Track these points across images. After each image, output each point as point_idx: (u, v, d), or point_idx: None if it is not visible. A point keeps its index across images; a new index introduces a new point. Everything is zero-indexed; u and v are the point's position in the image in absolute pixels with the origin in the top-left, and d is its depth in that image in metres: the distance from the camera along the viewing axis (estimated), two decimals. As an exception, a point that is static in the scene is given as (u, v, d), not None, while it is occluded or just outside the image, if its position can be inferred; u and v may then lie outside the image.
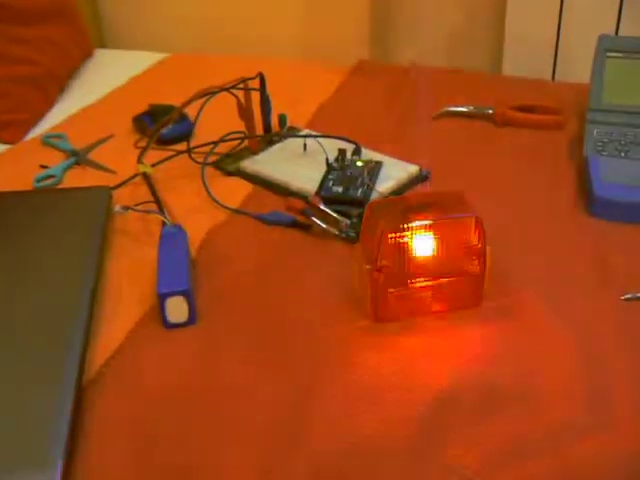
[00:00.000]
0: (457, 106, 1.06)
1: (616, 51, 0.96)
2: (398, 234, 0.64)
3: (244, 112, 0.95)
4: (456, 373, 0.59)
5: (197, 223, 0.82)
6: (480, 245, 0.65)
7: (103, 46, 1.62)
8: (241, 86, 0.93)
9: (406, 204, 0.66)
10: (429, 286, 0.66)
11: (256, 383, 0.60)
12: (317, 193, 0.85)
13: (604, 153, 0.88)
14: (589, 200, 0.83)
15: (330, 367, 0.61)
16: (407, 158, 0.93)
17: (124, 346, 0.65)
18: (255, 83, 0.97)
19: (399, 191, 0.88)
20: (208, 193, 0.87)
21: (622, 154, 0.88)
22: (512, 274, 0.71)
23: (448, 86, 1.15)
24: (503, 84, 1.17)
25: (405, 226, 0.64)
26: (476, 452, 0.53)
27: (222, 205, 0.86)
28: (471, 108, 1.06)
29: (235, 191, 0.90)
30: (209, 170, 0.94)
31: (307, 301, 0.70)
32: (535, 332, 0.64)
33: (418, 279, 0.66)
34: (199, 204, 0.87)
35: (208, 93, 0.91)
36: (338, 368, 0.61)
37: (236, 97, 0.93)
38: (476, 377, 0.59)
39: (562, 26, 1.18)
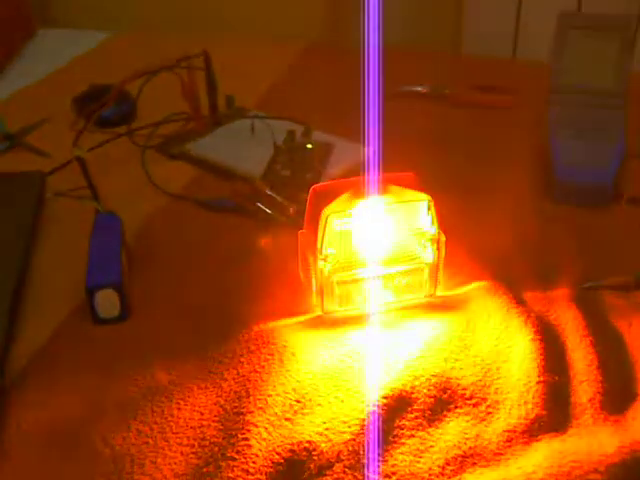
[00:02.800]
0: (412, 86, 1.02)
1: (577, 28, 0.92)
2: (344, 220, 0.59)
3: (188, 92, 0.90)
4: (407, 370, 0.55)
5: (135, 210, 0.77)
6: (434, 231, 0.61)
7: (50, 26, 1.54)
8: (184, 64, 0.87)
9: (353, 187, 0.61)
10: (379, 276, 0.62)
11: (191, 385, 0.55)
12: (263, 177, 0.80)
13: (565, 135, 0.84)
14: (550, 183, 0.79)
15: (271, 365, 0.56)
16: (359, 140, 0.89)
17: (48, 345, 0.60)
18: (200, 62, 0.91)
19: (350, 174, 0.84)
20: (148, 177, 0.82)
21: (582, 135, 0.85)
22: (468, 263, 0.68)
23: (405, 66, 1.10)
24: (462, 63, 1.13)
25: (352, 211, 0.59)
26: (426, 458, 0.49)
27: (162, 190, 0.80)
28: (427, 88, 1.01)
29: (178, 175, 0.85)
30: (152, 154, 0.88)
31: (250, 292, 0.65)
32: (492, 326, 0.60)
33: (367, 268, 0.62)
34: (139, 189, 0.81)
35: (148, 72, 0.85)
36: (279, 366, 0.56)
37: (179, 76, 0.88)
38: (429, 375, 0.55)
39: (522, 3, 1.14)
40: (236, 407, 0.52)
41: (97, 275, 0.61)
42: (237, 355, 0.57)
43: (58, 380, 0.56)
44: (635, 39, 0.91)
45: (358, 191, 0.61)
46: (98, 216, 0.71)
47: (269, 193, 0.77)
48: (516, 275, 0.66)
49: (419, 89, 1.01)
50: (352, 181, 0.62)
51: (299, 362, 0.56)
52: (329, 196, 0.61)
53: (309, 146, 0.85)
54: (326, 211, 0.59)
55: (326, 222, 0.59)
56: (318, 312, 0.62)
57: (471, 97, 0.98)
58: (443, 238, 0.62)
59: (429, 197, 0.60)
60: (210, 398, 0.54)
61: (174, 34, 1.25)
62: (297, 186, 0.79)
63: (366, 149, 0.86)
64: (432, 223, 0.61)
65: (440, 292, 0.64)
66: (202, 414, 0.52)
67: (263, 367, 0.56)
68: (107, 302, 0.61)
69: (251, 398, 0.53)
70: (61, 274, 0.68)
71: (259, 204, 0.75)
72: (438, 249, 0.62)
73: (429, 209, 0.60)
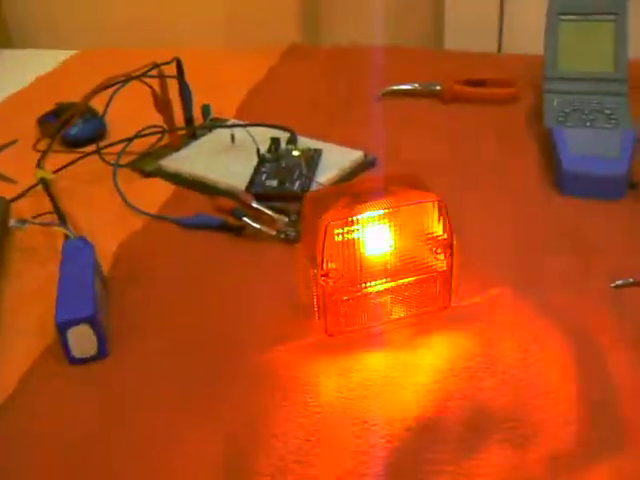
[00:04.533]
0: (401, 84, 0.96)
1: (569, 13, 0.87)
2: (346, 229, 0.53)
3: (160, 103, 0.83)
4: (430, 395, 0.48)
5: (109, 234, 0.70)
6: (446, 235, 0.55)
7: (9, 47, 1.47)
8: (155, 73, 0.80)
9: (352, 193, 0.55)
10: (387, 289, 0.55)
11: (184, 430, 0.48)
12: (248, 189, 0.73)
13: (568, 124, 0.79)
14: (558, 175, 0.73)
15: (275, 399, 0.49)
16: (350, 144, 0.82)
17: (18, 390, 0.52)
18: (171, 70, 0.84)
19: (343, 181, 0.77)
20: (122, 197, 0.75)
21: (587, 124, 0.79)
22: (481, 267, 0.61)
23: (390, 64, 1.04)
24: (448, 59, 1.07)
25: (354, 218, 0.52)
26: (463, 495, 0.42)
27: (138, 210, 0.73)
28: (416, 85, 0.95)
29: (154, 194, 0.78)
30: (125, 172, 0.81)
31: (244, 317, 0.58)
32: (518, 336, 0.53)
33: (374, 282, 0.55)
34: (113, 212, 0.74)
35: (115, 83, 0.78)
36: (284, 400, 0.49)
37: (150, 87, 0.81)
38: (455, 398, 0.48)
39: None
40: (238, 452, 0.45)
41: (68, 309, 0.54)
42: (236, 391, 0.50)
43: (30, 433, 0.49)
44: (628, 23, 0.85)
45: (359, 196, 0.54)
46: (67, 243, 0.63)
47: (256, 206, 0.70)
48: (535, 277, 0.60)
49: (408, 87, 0.95)
50: (351, 185, 0.56)
51: (305, 394, 0.49)
52: (327, 204, 0.54)
53: (296, 153, 0.79)
54: (325, 220, 0.52)
55: (326, 232, 0.52)
56: (322, 334, 0.55)
57: (465, 92, 0.92)
58: (455, 242, 0.55)
59: (438, 197, 0.53)
60: (208, 444, 0.46)
61: (142, 48, 1.18)
62: (285, 197, 0.73)
63: (359, 153, 0.80)
64: (443, 226, 0.54)
65: (455, 302, 0.57)
66: (199, 465, 0.45)
67: (266, 403, 0.49)
68: (82, 339, 0.54)
69: (256, 441, 0.45)
70: (29, 309, 0.61)
71: (245, 219, 0.68)
72: (451, 254, 0.55)
73: (439, 210, 0.54)
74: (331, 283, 0.53)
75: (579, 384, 0.48)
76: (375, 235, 0.54)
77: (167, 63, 0.82)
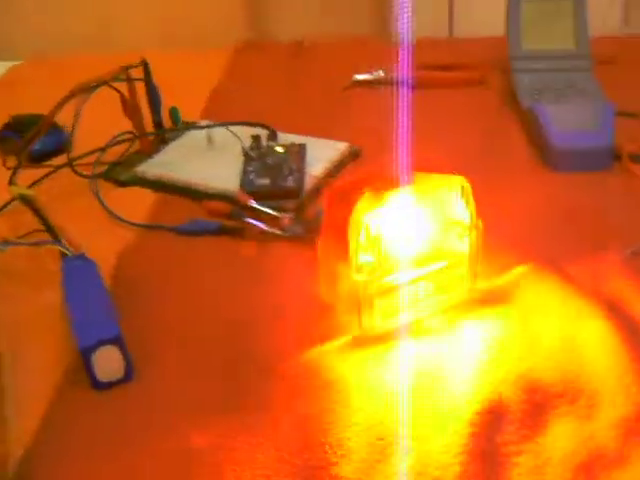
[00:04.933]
0: (366, 74, 0.95)
1: (529, -7, 0.89)
2: (377, 220, 0.51)
3: (130, 108, 0.79)
4: (486, 378, 0.48)
5: (100, 249, 0.65)
6: (472, 217, 0.54)
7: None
8: (123, 77, 0.76)
9: (376, 182, 0.54)
10: (417, 278, 0.55)
11: (239, 444, 0.45)
12: (241, 189, 0.71)
13: (545, 102, 0.80)
14: (546, 152, 0.74)
15: (330, 402, 0.47)
16: (327, 136, 0.81)
17: (43, 430, 0.48)
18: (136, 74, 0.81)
19: (333, 173, 0.76)
20: (106, 210, 0.71)
21: (560, 100, 0.81)
22: (496, 249, 0.61)
23: (348, 56, 1.03)
24: (396, 46, 1.07)
25: (385, 209, 0.51)
26: (550, 475, 0.41)
27: (128, 222, 0.69)
28: (382, 74, 0.95)
29: (136, 203, 0.74)
30: (98, 183, 0.77)
31: (269, 322, 0.56)
32: (552, 310, 0.54)
33: (404, 272, 0.54)
34: (98, 225, 0.70)
35: (83, 90, 0.74)
36: (342, 402, 0.47)
37: (118, 92, 0.77)
38: (508, 379, 0.48)
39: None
40: (310, 459, 0.43)
41: (90, 331, 0.50)
42: (284, 397, 0.48)
43: (69, 468, 0.45)
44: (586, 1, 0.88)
45: (383, 185, 0.53)
46: (66, 261, 0.59)
47: (256, 206, 0.68)
48: (552, 253, 0.60)
49: (374, 76, 0.95)
50: (373, 175, 0.55)
51: (360, 393, 0.48)
52: (349, 196, 0.53)
53: (280, 149, 0.77)
54: (358, 211, 0.50)
55: (360, 225, 0.50)
56: (354, 332, 0.54)
57: (434, 77, 0.92)
58: (480, 224, 0.55)
59: (464, 180, 0.53)
60: (269, 454, 0.44)
61: (90, 56, 1.12)
62: (280, 194, 0.71)
63: (344, 144, 0.79)
64: (468, 209, 0.54)
65: (480, 285, 0.57)
66: (268, 476, 0.43)
67: (322, 406, 0.47)
68: (108, 361, 0.50)
69: (325, 446, 0.44)
70: (37, 339, 0.56)
71: (249, 219, 0.66)
72: (476, 237, 0.55)
73: (464, 193, 0.54)
74: (365, 277, 0.52)
75: (625, 348, 0.49)
76: (404, 224, 0.53)
77: (134, 66, 0.78)
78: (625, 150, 0.72)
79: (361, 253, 0.51)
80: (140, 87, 0.81)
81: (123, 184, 0.77)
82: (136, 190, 0.77)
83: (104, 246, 0.66)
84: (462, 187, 0.53)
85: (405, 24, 1.13)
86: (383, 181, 0.53)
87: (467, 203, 0.54)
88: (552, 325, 0.52)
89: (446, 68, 0.95)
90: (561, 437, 0.44)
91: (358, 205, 0.51)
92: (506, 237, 0.63)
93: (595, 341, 0.50)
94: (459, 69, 0.94)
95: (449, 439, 0.43)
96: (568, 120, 0.75)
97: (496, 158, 0.77)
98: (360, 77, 0.95)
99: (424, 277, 0.55)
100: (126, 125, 0.81)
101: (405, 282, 0.54)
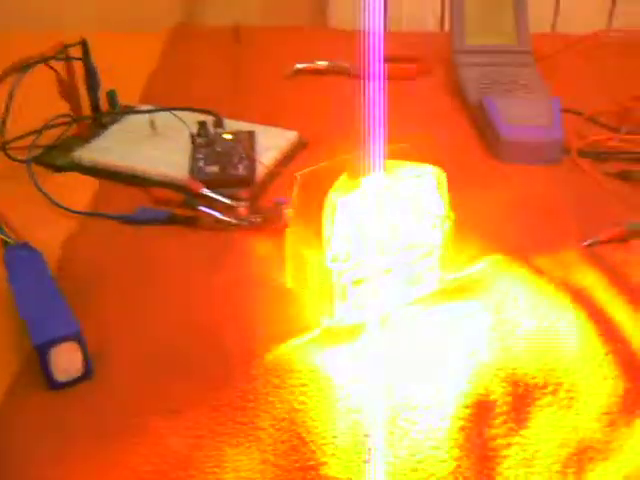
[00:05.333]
0: (309, 63, 0.93)
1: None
2: (353, 207, 0.50)
3: (67, 89, 0.74)
4: (467, 370, 0.47)
5: (41, 239, 0.60)
6: (446, 207, 0.53)
7: None
8: (61, 56, 0.71)
9: (347, 170, 0.52)
10: (389, 267, 0.53)
11: (219, 445, 0.43)
12: (192, 177, 0.68)
13: (494, 94, 0.80)
14: (496, 145, 0.75)
15: (311, 398, 0.45)
16: (271, 124, 0.78)
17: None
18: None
19: (283, 162, 0.74)
20: (46, 197, 0.66)
21: (507, 94, 0.81)
22: (459, 238, 0.61)
23: (286, 44, 1.01)
24: (342, 38, 1.05)
25: (361, 195, 0.50)
26: (539, 467, 0.41)
27: (70, 210, 0.65)
28: (324, 63, 0.93)
29: (75, 189, 0.69)
30: (31, 168, 0.71)
31: (228, 315, 0.53)
32: (525, 301, 0.53)
33: (375, 262, 0.52)
34: (34, 213, 0.65)
35: (17, 68, 0.68)
36: (321, 397, 0.45)
37: (55, 71, 0.72)
38: (490, 371, 0.47)
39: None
40: (297, 461, 0.41)
41: (46, 326, 0.46)
42: (261, 394, 0.46)
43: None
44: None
45: (355, 172, 0.51)
46: (8, 251, 0.54)
47: (209, 194, 0.64)
48: (515, 244, 0.61)
49: (316, 65, 0.93)
50: (343, 162, 0.53)
51: (344, 388, 0.46)
52: (321, 184, 0.51)
53: (228, 137, 0.74)
54: (332, 199, 0.48)
55: (334, 212, 0.49)
56: (325, 323, 0.52)
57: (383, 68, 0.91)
58: (453, 215, 0.54)
59: (440, 168, 0.52)
60: (253, 456, 0.42)
61: (22, 33, 1.04)
62: (231, 182, 0.68)
63: (293, 133, 0.76)
64: (442, 198, 0.53)
65: (450, 275, 0.57)
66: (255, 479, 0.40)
67: (303, 402, 0.45)
68: (66, 359, 0.46)
69: (311, 445, 0.41)
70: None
71: (203, 208, 0.63)
72: (446, 229, 0.54)
73: (438, 182, 0.53)
74: (340, 266, 0.50)
75: (600, 339, 0.49)
76: (378, 212, 0.52)
77: (73, 45, 0.72)
78: (574, 145, 0.74)
79: (336, 241, 0.49)
80: (77, 68, 0.75)
81: (59, 169, 0.72)
82: (74, 176, 0.72)
83: (45, 235, 0.61)
84: (437, 177, 0.52)
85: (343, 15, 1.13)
86: (356, 168, 0.52)
87: (441, 193, 0.53)
88: (525, 316, 0.52)
89: (389, 60, 0.94)
90: (546, 429, 0.44)
91: (332, 192, 0.49)
92: (465, 228, 0.62)
93: (568, 331, 0.51)
94: (402, 61, 0.94)
95: (441, 434, 0.42)
96: (519, 114, 0.76)
97: (446, 150, 0.76)
98: (301, 66, 0.93)
99: (396, 267, 0.54)
100: (62, 107, 0.76)
101: (378, 271, 0.53)
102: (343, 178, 0.51)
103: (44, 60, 0.68)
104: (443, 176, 0.52)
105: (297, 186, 0.52)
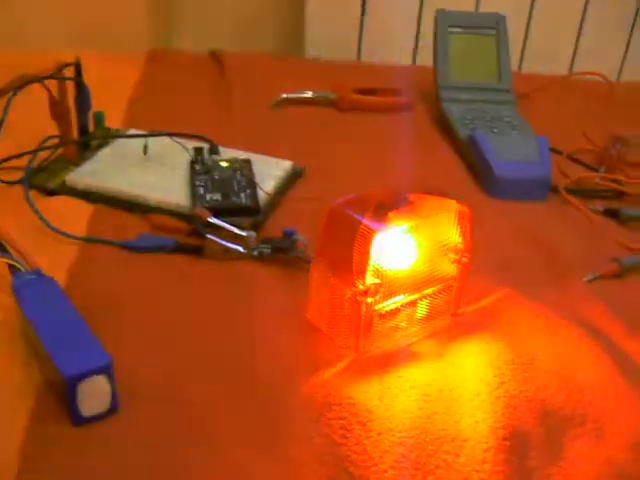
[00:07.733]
0: (295, 92, 0.93)
1: (457, 26, 0.92)
2: (384, 241, 0.50)
3: (59, 110, 0.71)
4: (498, 402, 0.48)
5: (42, 265, 0.57)
6: (464, 241, 0.54)
7: None
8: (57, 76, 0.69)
9: (375, 204, 0.52)
10: (412, 301, 0.54)
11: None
12: (195, 205, 0.66)
13: (479, 131, 0.83)
14: (488, 180, 0.77)
15: (351, 431, 0.45)
16: (264, 153, 0.78)
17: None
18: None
19: (281, 191, 0.73)
20: (42, 221, 0.63)
21: (495, 130, 0.84)
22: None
23: (270, 73, 1.01)
24: (326, 69, 1.06)
25: (389, 230, 0.50)
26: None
27: (71, 236, 0.62)
28: (310, 93, 0.94)
29: (68, 214, 0.67)
30: (17, 191, 0.68)
31: (255, 348, 0.52)
32: (539, 334, 0.55)
33: (402, 294, 0.53)
34: (33, 238, 0.62)
35: (16, 87, 0.66)
36: (364, 431, 0.45)
37: (49, 91, 0.69)
38: (520, 403, 0.48)
39: (367, 4, 1.12)
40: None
41: (75, 359, 0.44)
42: (297, 429, 0.45)
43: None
44: (507, 37, 0.93)
45: (384, 206, 0.52)
46: (18, 277, 0.52)
47: (220, 223, 0.63)
48: (519, 277, 0.62)
49: (302, 95, 0.93)
50: (371, 195, 0.53)
51: (371, 421, 0.46)
52: (350, 216, 0.51)
53: (224, 164, 0.73)
54: (367, 232, 0.48)
55: (366, 246, 0.49)
56: (350, 355, 0.52)
57: (362, 100, 0.92)
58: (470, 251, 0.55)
59: (463, 205, 0.53)
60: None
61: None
62: (236, 211, 0.67)
63: (288, 162, 0.76)
64: (462, 233, 0.54)
65: (463, 309, 0.57)
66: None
67: (345, 437, 0.44)
68: (94, 394, 0.44)
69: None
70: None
71: (211, 236, 0.62)
72: (465, 262, 0.55)
73: (461, 218, 0.54)
74: (370, 300, 0.50)
75: (617, 370, 0.51)
76: (404, 246, 0.52)
77: (68, 65, 0.70)
78: (561, 182, 0.77)
79: (367, 274, 0.49)
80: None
81: (51, 193, 0.70)
82: (65, 199, 0.69)
83: (45, 262, 0.58)
84: (458, 212, 0.53)
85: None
86: (382, 202, 0.52)
87: (463, 228, 0.54)
88: (541, 350, 0.53)
89: (374, 92, 0.95)
90: (580, 461, 0.45)
91: (365, 226, 0.49)
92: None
93: (585, 364, 0.52)
94: (386, 94, 0.95)
95: (487, 466, 0.42)
96: (507, 150, 0.78)
97: (438, 183, 0.78)
98: (287, 95, 0.93)
99: (417, 300, 0.54)
100: (48, 128, 0.73)
101: (402, 305, 0.53)
102: (372, 211, 0.51)
103: (38, 79, 0.66)
104: (466, 211, 0.53)
105: (327, 218, 0.52)
